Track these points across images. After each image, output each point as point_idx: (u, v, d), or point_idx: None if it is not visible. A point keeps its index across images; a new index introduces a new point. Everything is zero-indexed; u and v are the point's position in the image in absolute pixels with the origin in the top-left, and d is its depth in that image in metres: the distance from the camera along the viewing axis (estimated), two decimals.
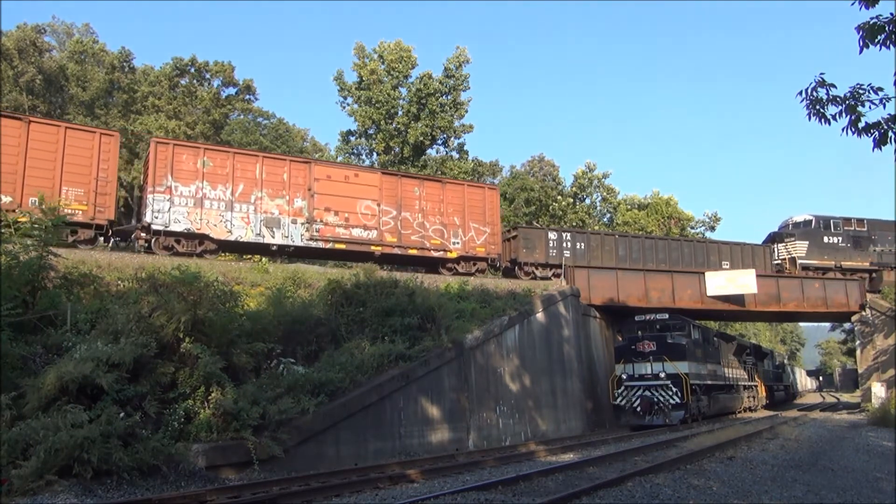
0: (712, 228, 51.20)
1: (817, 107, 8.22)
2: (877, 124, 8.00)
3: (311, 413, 12.32)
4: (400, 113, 37.97)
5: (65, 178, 17.91)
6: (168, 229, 19.09)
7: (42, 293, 12.34)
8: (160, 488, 9.36)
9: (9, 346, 10.37)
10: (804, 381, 75.31)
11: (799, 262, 31.21)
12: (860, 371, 31.44)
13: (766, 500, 8.65)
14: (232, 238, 20.07)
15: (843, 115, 8.07)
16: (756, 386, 33.56)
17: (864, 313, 29.04)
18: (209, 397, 11.25)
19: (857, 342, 30.64)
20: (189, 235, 19.44)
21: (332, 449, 12.95)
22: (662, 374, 21.21)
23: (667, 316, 23.76)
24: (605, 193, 49.77)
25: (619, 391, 21.89)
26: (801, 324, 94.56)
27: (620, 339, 25.49)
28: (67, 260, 13.90)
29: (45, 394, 9.58)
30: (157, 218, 18.98)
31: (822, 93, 8.17)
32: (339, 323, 15.70)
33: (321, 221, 21.30)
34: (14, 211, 16.57)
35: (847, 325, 51.63)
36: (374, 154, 38.98)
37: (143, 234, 19.34)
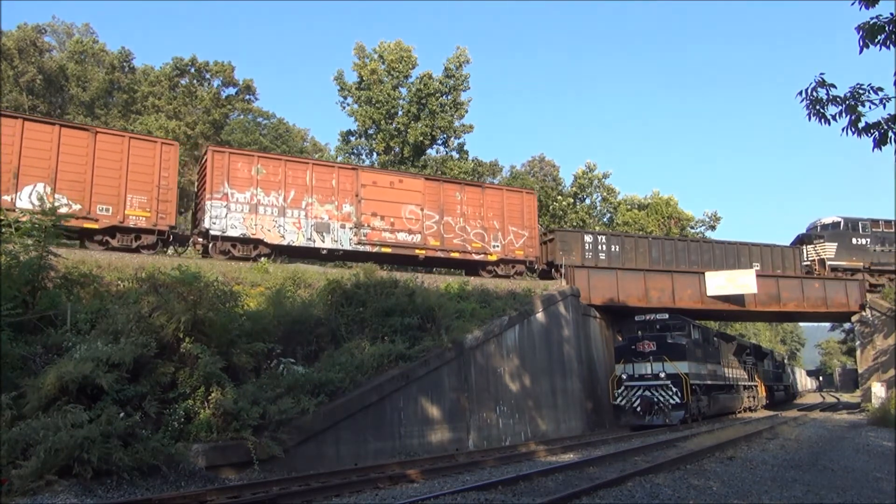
0: (712, 228, 51.24)
1: (817, 107, 8.22)
2: (877, 124, 7.99)
3: (311, 413, 12.33)
4: (400, 113, 37.95)
5: (129, 186, 18.56)
6: (225, 234, 19.75)
7: (42, 293, 12.34)
8: (160, 488, 9.36)
9: (9, 346, 10.37)
10: (804, 381, 75.31)
11: (828, 263, 31.40)
12: (860, 371, 31.45)
13: (766, 500, 8.65)
14: (285, 242, 20.66)
15: (843, 115, 8.07)
16: (756, 386, 33.56)
17: (864, 313, 29.03)
18: (209, 397, 11.26)
19: (857, 342, 30.64)
20: (244, 240, 20.10)
21: (332, 449, 12.96)
22: (662, 374, 21.21)
23: (667, 316, 23.75)
24: (605, 193, 49.79)
25: (619, 391, 21.89)
26: (801, 324, 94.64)
27: (620, 339, 25.49)
28: (67, 260, 13.90)
29: (45, 394, 9.58)
30: (214, 224, 19.61)
31: (822, 93, 8.17)
32: (339, 323, 15.70)
33: (368, 226, 22.01)
34: (85, 218, 17.72)
35: (847, 325, 51.64)
36: (374, 154, 38.98)
37: (199, 240, 20.12)
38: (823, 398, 60.04)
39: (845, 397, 55.83)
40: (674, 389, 20.95)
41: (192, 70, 40.81)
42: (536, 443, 16.91)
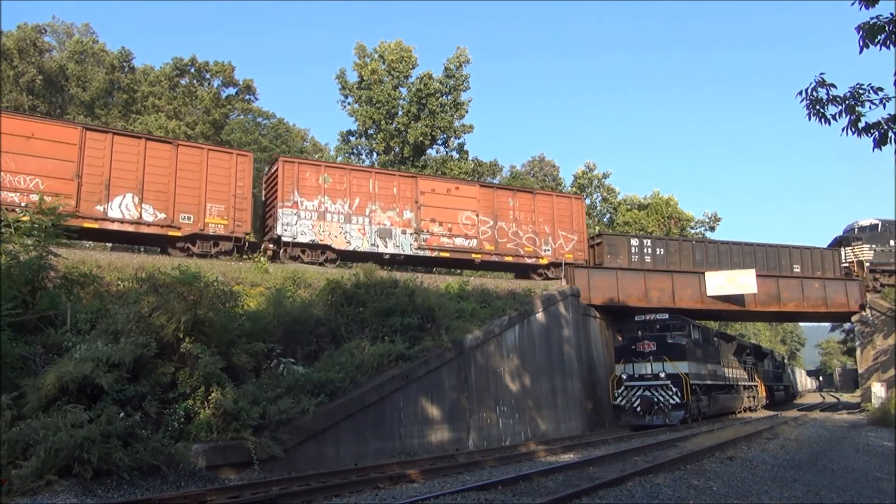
0: (712, 229, 51.25)
1: (817, 107, 8.23)
2: (877, 124, 8.00)
3: (311, 413, 12.33)
4: (400, 113, 37.94)
5: (208, 196, 19.53)
6: (296, 241, 20.67)
7: (42, 293, 12.35)
8: (160, 488, 9.36)
9: (9, 346, 10.37)
10: (804, 381, 75.29)
11: (867, 265, 31.56)
12: (860, 371, 31.46)
13: (766, 500, 8.65)
14: (350, 248, 21.63)
15: (843, 115, 8.08)
16: (756, 386, 33.55)
17: (864, 313, 29.03)
18: (209, 397, 11.26)
19: (857, 342, 30.65)
20: (313, 246, 21.04)
21: (332, 449, 12.95)
22: (662, 374, 21.19)
23: (667, 316, 23.74)
24: (605, 193, 49.83)
25: (619, 391, 21.88)
26: (801, 324, 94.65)
27: (620, 339, 25.47)
28: (67, 260, 13.91)
29: (45, 394, 9.58)
30: (286, 230, 20.55)
31: (822, 93, 8.18)
32: (339, 323, 15.70)
33: (427, 232, 22.99)
34: (169, 226, 18.78)
35: (847, 325, 51.62)
36: (374, 154, 38.98)
37: (270, 245, 20.96)
38: (823, 398, 60.03)
39: (845, 397, 55.82)
40: (674, 389, 20.95)
41: (192, 70, 40.80)
42: (536, 443, 16.90)
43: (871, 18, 7.78)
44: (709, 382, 24.16)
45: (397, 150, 38.12)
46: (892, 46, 7.79)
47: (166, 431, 10.40)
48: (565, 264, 24.77)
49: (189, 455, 10.23)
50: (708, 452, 13.25)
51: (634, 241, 27.73)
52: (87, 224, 17.81)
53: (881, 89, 7.94)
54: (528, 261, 24.60)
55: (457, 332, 16.93)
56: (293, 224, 20.66)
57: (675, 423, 20.80)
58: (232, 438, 10.92)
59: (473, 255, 23.71)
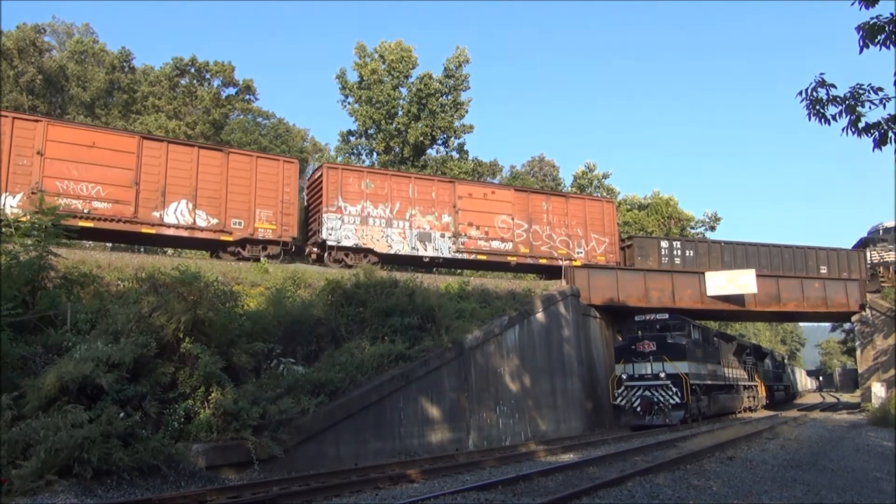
0: (712, 229, 51.25)
1: (817, 107, 8.22)
2: (877, 124, 7.99)
3: (311, 413, 12.33)
4: (400, 113, 37.93)
5: (258, 202, 20.17)
6: (340, 245, 21.41)
7: (42, 293, 12.34)
8: (160, 488, 9.36)
9: (9, 346, 10.36)
10: (804, 381, 75.27)
11: (892, 266, 31.82)
12: (860, 371, 31.43)
13: (766, 500, 8.64)
14: (392, 251, 22.34)
15: (843, 115, 8.07)
16: (756, 386, 33.54)
17: (864, 313, 29.01)
18: (209, 397, 11.26)
19: (857, 342, 30.62)
20: (356, 250, 21.77)
21: (332, 449, 12.95)
22: (662, 374, 21.19)
23: (667, 316, 23.72)
24: (605, 194, 49.76)
25: (619, 391, 21.88)
26: (801, 324, 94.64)
27: (620, 339, 25.48)
28: (67, 260, 13.90)
29: (45, 394, 9.58)
30: (330, 234, 21.31)
31: (822, 93, 8.18)
32: (339, 323, 15.70)
33: (465, 235, 23.77)
34: (221, 231, 19.50)
35: (847, 325, 51.59)
36: (374, 154, 38.97)
37: (314, 249, 21.77)
38: (823, 398, 60.03)
39: (845, 397, 55.81)
40: (674, 389, 20.94)
41: (192, 70, 40.81)
42: (536, 443, 16.90)
43: (871, 18, 7.78)
44: (709, 382, 24.15)
45: (397, 150, 38.11)
46: (892, 46, 7.79)
47: (166, 431, 10.39)
48: (565, 265, 24.79)
49: (189, 455, 10.23)
50: (708, 452, 13.24)
51: (664, 244, 28.67)
52: (145, 230, 18.61)
53: (881, 89, 7.94)
54: (562, 263, 25.15)
55: (457, 332, 16.92)
56: (337, 228, 21.43)
57: (675, 423, 20.79)
58: (232, 438, 10.92)
59: (509, 258, 24.40)
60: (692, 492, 9.12)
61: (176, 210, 18.94)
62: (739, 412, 29.45)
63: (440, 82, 37.97)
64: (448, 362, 16.41)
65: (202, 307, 12.03)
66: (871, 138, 8.00)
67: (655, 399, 21.11)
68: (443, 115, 37.78)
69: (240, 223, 19.82)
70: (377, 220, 22.16)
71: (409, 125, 37.38)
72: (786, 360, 54.95)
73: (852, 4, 7.94)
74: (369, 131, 38.78)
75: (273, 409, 11.61)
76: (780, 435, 17.65)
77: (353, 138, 39.89)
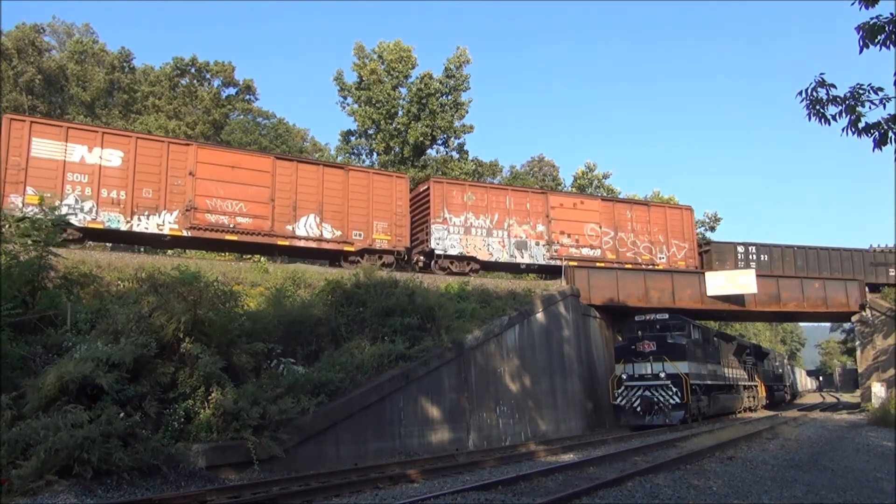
0: (712, 229, 51.16)
1: (817, 107, 8.22)
2: (877, 124, 7.99)
3: (311, 413, 12.33)
4: (400, 113, 37.91)
5: (374, 214, 21.92)
6: (447, 253, 23.12)
7: (42, 293, 12.35)
8: (160, 488, 9.36)
9: (9, 346, 10.37)
10: (804, 381, 75.26)
11: None
12: (860, 371, 31.42)
13: (766, 500, 8.65)
14: (492, 259, 24.18)
15: (843, 115, 8.07)
16: (756, 386, 33.52)
17: (864, 313, 28.99)
18: (209, 397, 11.26)
19: (857, 342, 30.61)
20: (460, 258, 23.47)
21: (332, 449, 12.95)
22: (662, 374, 21.17)
23: (667, 316, 23.70)
24: (605, 194, 49.77)
25: (619, 391, 21.86)
26: (801, 324, 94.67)
27: (620, 339, 25.47)
28: (67, 260, 13.90)
29: (45, 394, 9.59)
30: (438, 244, 23.07)
31: (822, 93, 8.17)
32: (339, 323, 15.70)
33: (558, 243, 25.50)
34: (344, 242, 21.17)
35: (847, 325, 51.66)
36: (374, 154, 38.95)
37: (421, 258, 23.49)
38: (823, 398, 60.02)
39: (845, 397, 55.81)
40: (674, 389, 20.93)
41: (193, 70, 40.82)
42: (536, 443, 16.90)
43: (871, 18, 7.78)
44: (709, 382, 24.14)
45: (397, 150, 38.10)
46: (892, 46, 7.79)
47: (166, 431, 10.40)
48: (565, 265, 24.82)
49: (189, 455, 10.23)
50: (708, 452, 13.24)
51: (741, 249, 29.76)
52: (280, 242, 20.39)
53: (881, 89, 7.94)
54: (646, 268, 26.68)
55: (457, 332, 16.92)
56: (444, 238, 23.18)
57: (675, 423, 20.78)
58: (232, 438, 10.92)
59: (598, 264, 25.87)
60: (692, 492, 9.12)
61: (306, 223, 20.74)
62: (739, 412, 29.43)
63: (440, 82, 37.94)
64: (448, 362, 16.41)
65: (202, 307, 12.03)
66: (871, 138, 8.00)
67: (655, 399, 21.10)
68: (443, 115, 37.76)
69: (360, 234, 21.58)
70: (479, 230, 23.89)
71: (409, 125, 37.37)
72: (786, 360, 54.94)
73: (852, 4, 7.94)
74: (369, 131, 38.77)
75: (273, 409, 11.61)
76: (780, 435, 17.65)
77: (353, 138, 39.89)
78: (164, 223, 18.68)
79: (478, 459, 13.04)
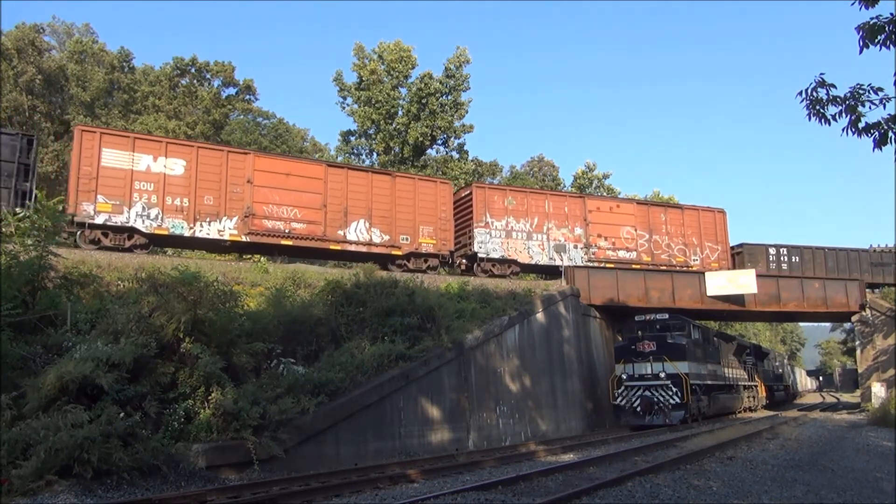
0: None
1: (817, 107, 8.23)
2: (877, 124, 8.00)
3: (311, 413, 12.33)
4: (400, 113, 37.91)
5: (419, 219, 22.55)
6: (489, 257, 23.81)
7: (42, 293, 12.35)
8: (160, 488, 9.36)
9: (9, 346, 10.37)
10: (804, 381, 75.27)
11: None
12: (860, 371, 31.42)
13: (766, 500, 8.65)
14: (533, 262, 24.74)
15: (843, 115, 8.07)
16: (756, 386, 33.52)
17: (864, 313, 28.98)
18: (209, 397, 11.25)
19: (857, 342, 30.61)
20: (502, 261, 24.12)
21: (332, 449, 12.95)
22: (662, 374, 21.17)
23: (667, 316, 23.70)
24: (605, 194, 49.77)
25: (619, 391, 21.86)
26: (801, 324, 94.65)
27: (620, 339, 25.48)
28: (67, 260, 13.90)
29: (45, 394, 9.58)
30: (480, 247, 23.71)
31: (822, 93, 8.18)
32: (339, 323, 15.70)
33: (595, 246, 26.17)
34: (392, 246, 21.77)
35: (847, 325, 51.64)
36: (374, 154, 38.95)
37: (463, 261, 24.03)
38: (823, 398, 60.02)
39: (845, 397, 55.81)
40: (674, 389, 20.93)
41: (193, 70, 40.77)
42: (536, 443, 16.90)
43: (871, 18, 7.79)
44: (709, 382, 24.14)
45: (397, 150, 38.09)
46: (892, 46, 7.79)
47: (166, 431, 10.40)
48: (565, 266, 24.84)
49: (189, 455, 10.23)
50: (708, 452, 13.24)
51: (772, 250, 30.23)
52: (333, 246, 21.07)
53: (881, 89, 7.95)
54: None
55: (457, 332, 16.92)
56: (486, 242, 23.77)
57: (675, 423, 20.78)
58: (232, 438, 10.92)
59: (634, 266, 26.48)
60: (692, 492, 9.12)
61: (356, 228, 21.37)
62: (739, 412, 29.43)
63: (440, 82, 37.94)
64: (448, 362, 16.41)
65: (202, 307, 12.03)
66: (871, 138, 8.01)
67: (655, 399, 21.10)
68: (443, 115, 37.75)
69: (407, 238, 22.15)
70: (519, 234, 24.47)
71: (408, 125, 37.36)
72: (786, 360, 54.94)
73: (852, 4, 7.95)
74: (369, 131, 38.77)
75: (273, 409, 11.61)
76: (780, 435, 17.65)
77: (353, 138, 39.88)
78: (225, 229, 19.46)
79: (478, 459, 13.05)
